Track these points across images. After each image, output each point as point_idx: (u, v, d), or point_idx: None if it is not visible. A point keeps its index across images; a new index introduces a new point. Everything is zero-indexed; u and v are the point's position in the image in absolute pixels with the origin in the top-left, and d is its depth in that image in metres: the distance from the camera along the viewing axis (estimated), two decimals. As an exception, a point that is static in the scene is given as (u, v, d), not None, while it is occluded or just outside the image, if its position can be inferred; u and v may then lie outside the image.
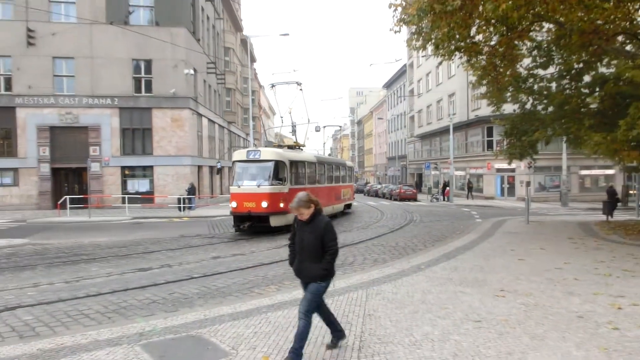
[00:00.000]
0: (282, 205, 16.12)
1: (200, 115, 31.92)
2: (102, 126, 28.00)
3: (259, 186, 16.39)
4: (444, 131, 46.16)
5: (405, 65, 64.28)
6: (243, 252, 12.83)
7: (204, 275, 9.50)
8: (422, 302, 6.76)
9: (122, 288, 8.35)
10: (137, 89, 28.59)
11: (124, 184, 28.55)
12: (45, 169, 27.81)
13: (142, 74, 28.64)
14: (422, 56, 49.81)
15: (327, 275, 4.68)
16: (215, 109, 38.25)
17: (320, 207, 4.75)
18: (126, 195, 26.77)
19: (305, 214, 4.69)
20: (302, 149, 21.84)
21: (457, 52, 14.39)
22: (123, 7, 27.45)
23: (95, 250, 13.27)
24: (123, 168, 28.50)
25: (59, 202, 25.15)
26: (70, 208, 24.63)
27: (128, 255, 12.33)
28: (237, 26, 49.37)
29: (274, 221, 16.44)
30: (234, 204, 16.70)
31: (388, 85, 77.69)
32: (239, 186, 16.78)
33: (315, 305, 4.68)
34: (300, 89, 22.04)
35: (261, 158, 17.05)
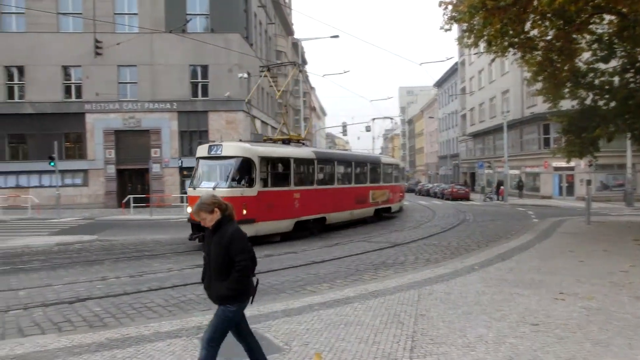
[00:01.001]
0: (245, 212, 13.15)
1: (253, 117, 32.60)
2: (162, 129, 29.19)
3: (214, 188, 13.36)
4: (497, 129, 44.87)
5: (456, 63, 62.94)
6: (295, 250, 13.05)
7: (257, 272, 9.66)
8: (476, 303, 6.67)
9: (182, 283, 8.73)
10: (194, 93, 29.61)
11: (182, 183, 29.61)
12: (111, 170, 29.36)
13: (199, 79, 29.64)
14: (474, 54, 48.45)
15: (235, 296, 3.80)
16: (268, 111, 38.92)
17: (231, 213, 3.89)
18: (184, 195, 27.76)
19: (208, 219, 3.82)
20: (304, 144, 18.39)
21: (510, 48, 14.03)
22: (181, 16, 28.48)
23: (157, 246, 13.89)
24: (181, 169, 29.56)
25: (124, 201, 26.48)
26: (134, 207, 25.89)
27: (187, 251, 12.84)
28: (288, 30, 50.01)
29: None
30: (189, 209, 14.00)
31: (439, 83, 76.29)
32: (194, 187, 14.19)
33: (221, 334, 3.88)
34: (300, 71, 19.26)
35: (222, 154, 14.08)
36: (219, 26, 29.17)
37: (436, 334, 5.36)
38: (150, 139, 29.28)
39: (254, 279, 4.07)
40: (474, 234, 16.28)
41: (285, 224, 15.08)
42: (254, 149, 14.26)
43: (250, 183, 13.78)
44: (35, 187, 29.07)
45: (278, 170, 15.21)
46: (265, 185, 14.29)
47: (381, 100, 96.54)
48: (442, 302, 6.72)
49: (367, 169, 21.07)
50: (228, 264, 3.77)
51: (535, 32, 13.58)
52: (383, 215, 23.05)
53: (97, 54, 28.52)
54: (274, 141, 17.17)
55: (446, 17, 13.42)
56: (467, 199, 40.32)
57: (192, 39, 27.22)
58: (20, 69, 28.86)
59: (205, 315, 6.31)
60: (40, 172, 28.72)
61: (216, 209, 3.82)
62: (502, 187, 38.14)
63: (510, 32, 12.72)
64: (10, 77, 29.02)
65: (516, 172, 42.80)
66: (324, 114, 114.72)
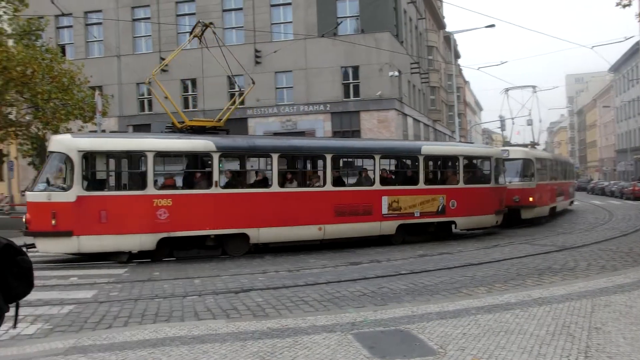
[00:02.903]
0: (54, 222, 10.51)
1: (405, 115, 32.40)
2: (317, 130, 30.48)
3: (24, 191, 12.24)
4: (695, 116, 38.24)
5: (637, 42, 54.98)
6: (450, 251, 12.59)
7: (411, 272, 9.61)
8: (666, 319, 5.72)
9: (336, 279, 8.95)
10: (346, 94, 30.39)
11: (335, 183, 30.62)
12: (270, 171, 31.55)
13: (350, 80, 30.35)
14: (663, 29, 42.04)
15: None
16: (420, 108, 38.31)
17: None
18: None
19: None
20: (228, 131, 13.45)
21: None
22: (332, 20, 29.44)
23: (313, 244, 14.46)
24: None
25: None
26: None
27: (340, 249, 13.17)
28: (439, 24, 48.66)
29: (40, 245, 10.78)
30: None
31: (615, 68, 67.39)
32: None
33: None
34: (213, 31, 14.94)
35: (50, 149, 11.71)
36: (369, 26, 29.52)
37: (615, 352, 4.69)
38: (305, 141, 30.82)
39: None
40: (662, 238, 14.06)
41: (134, 241, 11.20)
42: (73, 141, 11.19)
43: (68, 185, 10.95)
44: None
45: (123, 169, 12.55)
46: (97, 187, 11.59)
47: (545, 90, 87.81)
48: (623, 316, 5.88)
49: (374, 163, 13.88)
50: None
51: None
52: (437, 233, 14.90)
53: (257, 62, 30.86)
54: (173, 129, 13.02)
55: (624, -10, 11.80)
56: (654, 198, 35.06)
57: (343, 41, 27.96)
58: (194, 82, 32.47)
59: (359, 312, 6.39)
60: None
61: None
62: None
63: None
64: (185, 89, 32.83)
65: None
66: (480, 108, 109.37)
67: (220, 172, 12.17)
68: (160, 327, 6.00)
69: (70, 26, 32.89)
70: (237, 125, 31.42)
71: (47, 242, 10.78)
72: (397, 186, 14.37)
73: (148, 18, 32.09)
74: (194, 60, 31.61)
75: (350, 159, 15.15)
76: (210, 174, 11.93)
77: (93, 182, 11.48)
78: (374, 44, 28.62)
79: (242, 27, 31.13)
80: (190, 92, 32.62)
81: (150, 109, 32.67)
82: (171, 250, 11.83)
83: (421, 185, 14.34)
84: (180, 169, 12.54)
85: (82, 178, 10.87)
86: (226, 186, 12.30)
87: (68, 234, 10.61)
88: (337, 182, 13.76)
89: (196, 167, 12.45)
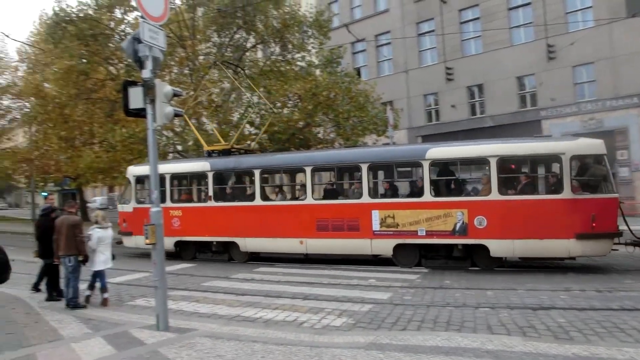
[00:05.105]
0: (125, 225, 15.76)
1: None
2: (629, 127, 25.98)
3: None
4: None
5: None
6: None
7: None
8: None
9: (663, 306, 7.34)
10: (669, 81, 25.00)
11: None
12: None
13: (674, 63, 24.85)
14: None
15: None
16: None
17: None
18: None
19: None
20: (244, 151, 15.62)
21: None
22: (646, -6, 24.76)
23: (626, 260, 12.27)
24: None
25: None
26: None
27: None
28: None
29: (123, 241, 15.94)
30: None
31: None
32: None
33: None
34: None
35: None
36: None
37: None
38: (615, 140, 26.48)
39: None
40: None
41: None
42: (132, 169, 15.77)
43: (130, 199, 15.47)
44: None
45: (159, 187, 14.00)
46: (142, 202, 15.09)
47: None
48: None
49: (361, 174, 12.24)
50: None
51: None
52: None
53: (550, 58, 28.26)
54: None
55: None
56: None
57: (663, 18, 23.15)
58: (480, 87, 31.79)
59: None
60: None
61: None
62: None
63: None
64: (471, 95, 32.42)
65: None
66: None
67: (215, 188, 14.28)
68: (452, 336, 5.97)
69: (364, 50, 36.54)
70: (529, 127, 29.51)
71: (125, 239, 15.54)
72: (392, 199, 12.21)
73: (432, 31, 33.10)
74: (479, 65, 31.24)
75: (337, 171, 13.88)
76: (207, 189, 14.47)
77: (141, 198, 15.43)
78: None
79: (531, 23, 29.09)
80: (477, 99, 32.15)
81: (437, 119, 33.54)
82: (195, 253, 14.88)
83: (427, 197, 11.60)
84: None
85: (135, 195, 15.38)
86: (220, 200, 14.20)
87: (130, 234, 15.20)
88: (326, 194, 13.40)
89: (200, 184, 15.33)
